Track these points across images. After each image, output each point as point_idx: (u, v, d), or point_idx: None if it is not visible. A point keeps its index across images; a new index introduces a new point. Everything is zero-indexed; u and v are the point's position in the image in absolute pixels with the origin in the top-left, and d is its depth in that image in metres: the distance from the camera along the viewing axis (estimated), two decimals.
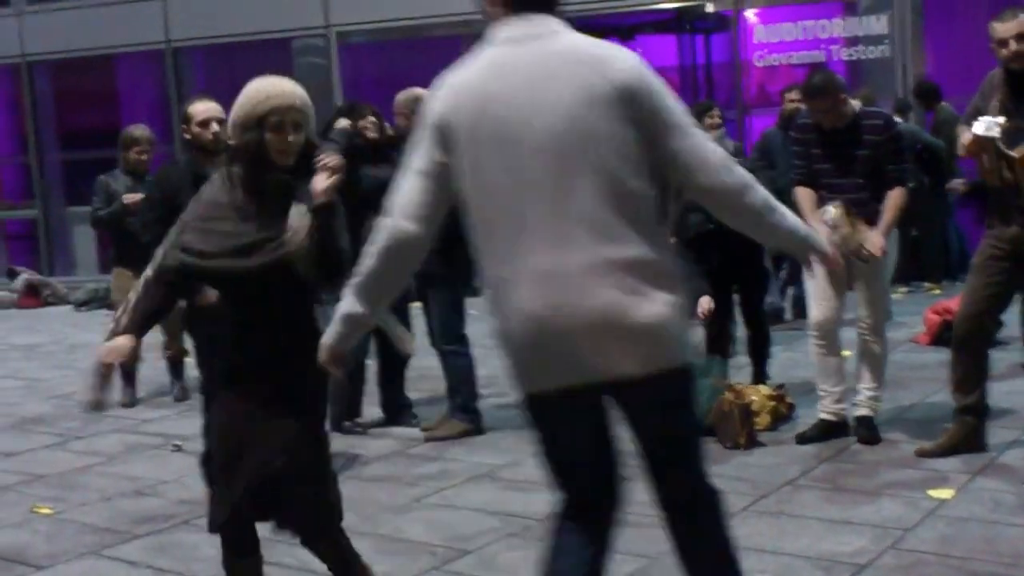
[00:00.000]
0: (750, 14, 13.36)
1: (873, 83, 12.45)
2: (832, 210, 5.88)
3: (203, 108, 5.63)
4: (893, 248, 6.15)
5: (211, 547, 5.11)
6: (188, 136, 5.68)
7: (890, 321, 9.06)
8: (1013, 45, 5.41)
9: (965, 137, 5.55)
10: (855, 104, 6.20)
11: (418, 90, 6.99)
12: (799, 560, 4.55)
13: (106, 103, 17.00)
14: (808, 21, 13.04)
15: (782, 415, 6.61)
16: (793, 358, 8.04)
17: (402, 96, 7.01)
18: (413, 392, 7.41)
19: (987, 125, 5.39)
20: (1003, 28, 5.43)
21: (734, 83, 13.51)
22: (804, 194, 6.18)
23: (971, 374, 5.77)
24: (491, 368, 7.22)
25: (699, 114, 8.86)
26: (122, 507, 5.85)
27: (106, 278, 9.99)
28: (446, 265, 6.36)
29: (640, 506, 5.28)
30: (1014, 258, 5.59)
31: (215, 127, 5.53)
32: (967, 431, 5.80)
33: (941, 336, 8.02)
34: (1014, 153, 5.29)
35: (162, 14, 15.49)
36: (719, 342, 6.97)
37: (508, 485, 5.78)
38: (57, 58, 16.33)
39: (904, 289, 11.20)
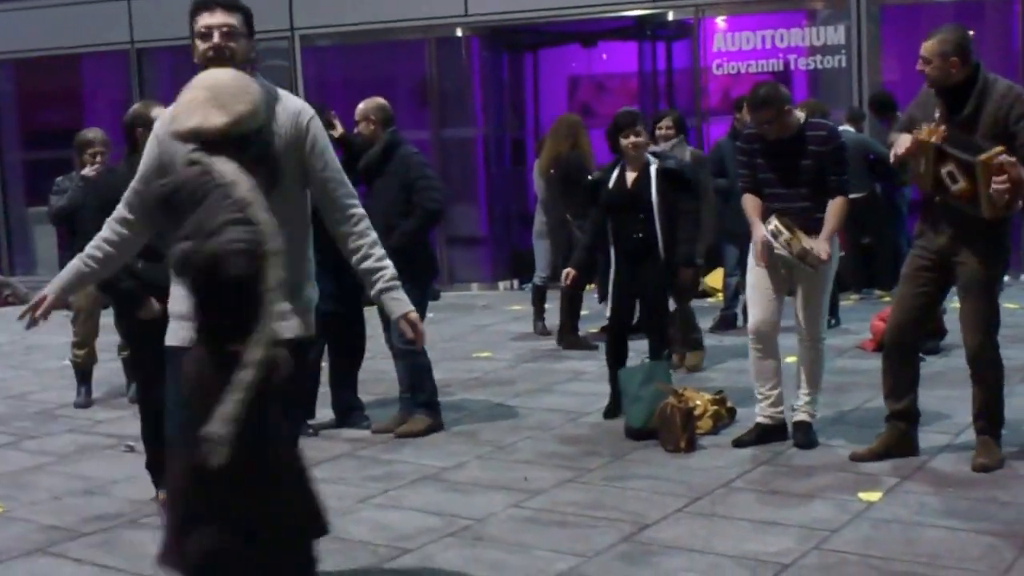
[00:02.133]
0: (712, 22, 13.50)
1: (830, 92, 12.65)
2: (773, 221, 6.03)
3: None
4: (834, 258, 6.29)
5: (155, 545, 5.20)
6: (144, 141, 5.74)
7: (836, 328, 9.31)
8: (920, 64, 5.60)
9: (902, 141, 5.69)
10: (799, 115, 6.34)
11: (380, 99, 7.10)
12: (726, 560, 4.68)
13: (70, 103, 16.97)
14: (767, 30, 13.20)
15: (724, 419, 6.76)
16: (742, 363, 8.16)
17: (365, 104, 7.09)
18: (365, 395, 7.51)
19: (928, 131, 5.53)
20: (922, 46, 5.61)
21: (693, 90, 13.66)
22: (750, 202, 6.32)
23: (902, 381, 5.93)
24: (439, 372, 7.37)
25: (654, 122, 9.01)
26: (71, 506, 5.92)
27: None
28: (408, 266, 6.51)
29: (575, 506, 5.46)
30: (942, 268, 5.75)
31: None
32: (899, 436, 5.96)
33: None
34: (979, 157, 5.39)
35: (126, 14, 15.53)
36: (659, 346, 7.09)
37: (452, 487, 5.89)
38: (21, 57, 16.30)
39: (855, 296, 11.39)
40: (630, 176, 6.99)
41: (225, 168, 3.47)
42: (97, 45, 15.86)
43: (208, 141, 3.56)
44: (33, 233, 16.27)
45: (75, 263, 4.27)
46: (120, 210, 4.27)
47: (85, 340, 8.42)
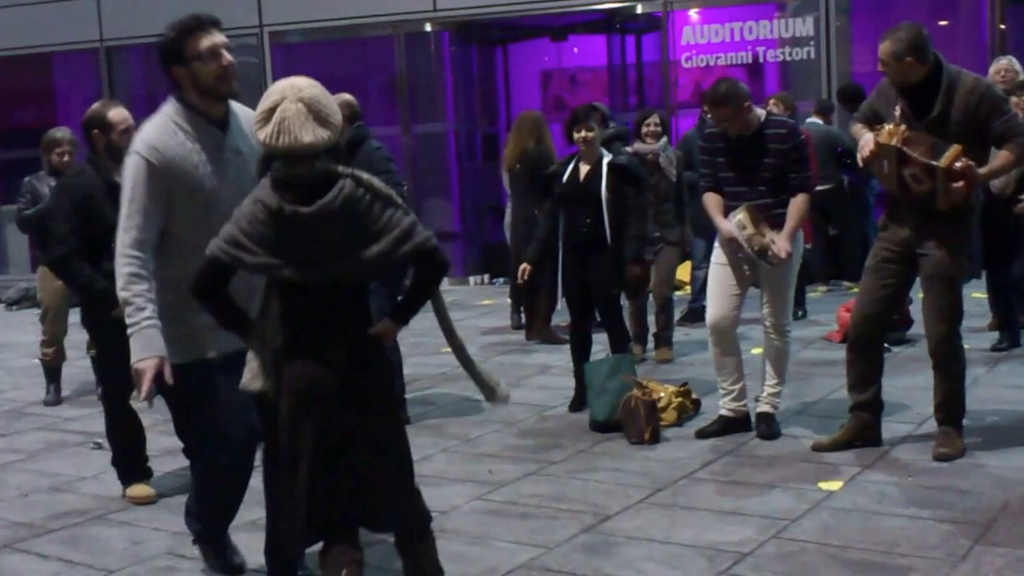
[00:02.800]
0: (682, 15, 13.54)
1: (799, 84, 12.71)
2: (739, 213, 6.07)
3: (123, 116, 5.79)
4: (797, 251, 6.34)
5: (122, 541, 5.27)
6: (103, 143, 5.78)
7: (803, 319, 9.38)
8: (879, 66, 5.67)
9: (864, 143, 5.72)
10: (760, 113, 6.38)
11: (346, 95, 7.07)
12: (686, 549, 4.73)
13: (41, 102, 16.93)
14: (736, 23, 13.24)
15: (689, 411, 6.81)
16: (708, 357, 8.21)
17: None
18: None
19: (888, 133, 5.57)
20: (879, 48, 5.66)
21: (663, 83, 13.70)
22: (712, 199, 6.37)
23: (866, 372, 5.98)
24: (407, 367, 7.39)
25: (640, 120, 9.03)
26: (39, 503, 5.94)
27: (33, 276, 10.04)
28: None
29: (538, 498, 5.50)
30: (906, 260, 5.80)
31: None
32: (862, 426, 6.01)
33: None
34: (938, 163, 5.45)
35: (96, 13, 15.48)
36: (617, 339, 7.14)
37: (417, 480, 5.89)
38: None
39: (823, 288, 11.46)
40: (583, 169, 7.04)
41: (366, 177, 3.74)
42: (68, 44, 15.81)
43: (309, 155, 3.63)
44: (4, 232, 16.21)
45: (153, 330, 4.04)
46: (136, 253, 4.07)
47: (54, 338, 8.42)
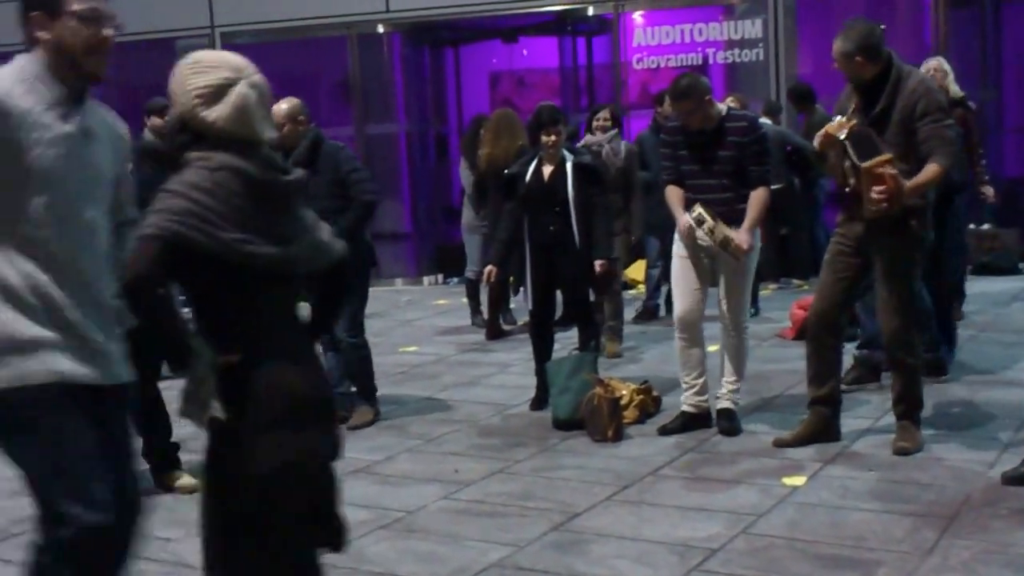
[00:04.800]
0: (632, 17, 13.61)
1: (748, 86, 12.80)
2: (697, 208, 6.12)
3: None
4: (756, 248, 6.40)
5: None
6: None
7: (756, 317, 9.46)
8: (834, 64, 5.78)
9: (820, 134, 5.82)
10: (721, 107, 6.43)
11: (295, 99, 7.00)
12: (656, 546, 4.76)
13: None
14: (686, 24, 13.33)
15: (650, 409, 6.84)
16: (665, 353, 8.27)
17: (290, 105, 6.91)
18: None
19: (838, 124, 5.67)
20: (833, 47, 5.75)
21: (614, 85, 13.76)
22: (673, 193, 6.41)
23: (825, 367, 6.05)
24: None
25: (591, 114, 9.12)
26: (0, 508, 5.87)
27: None
28: (350, 259, 6.56)
29: (505, 497, 5.51)
30: (862, 254, 5.88)
31: None
32: (821, 421, 6.08)
33: (805, 330, 8.31)
34: (863, 164, 5.54)
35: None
36: (587, 335, 7.19)
37: (382, 480, 5.92)
38: None
39: (773, 286, 11.57)
40: (546, 170, 7.07)
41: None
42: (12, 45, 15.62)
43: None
44: None
45: None
46: None
47: None
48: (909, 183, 5.58)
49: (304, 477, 3.22)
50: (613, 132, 8.92)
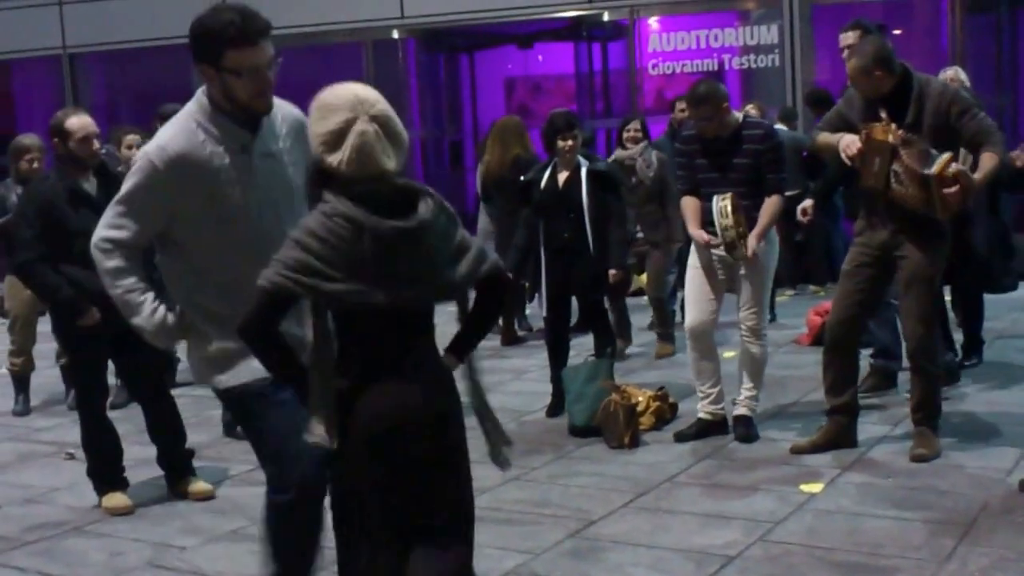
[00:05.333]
0: (647, 23, 13.60)
1: (764, 91, 12.77)
2: (727, 199, 6.06)
3: (81, 124, 5.84)
4: (773, 254, 6.37)
5: (99, 553, 5.21)
6: (62, 151, 5.84)
7: (772, 323, 9.41)
8: (850, 82, 5.80)
9: (849, 141, 5.72)
10: (737, 115, 6.41)
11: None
12: (672, 553, 4.74)
13: (1, 109, 16.78)
14: (702, 30, 13.31)
15: (666, 416, 6.82)
16: (681, 359, 8.24)
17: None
18: None
19: (883, 130, 5.61)
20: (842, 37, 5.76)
21: (630, 91, 13.74)
22: (689, 204, 6.39)
23: (842, 376, 6.02)
24: None
25: (621, 127, 9.13)
26: (13, 515, 5.86)
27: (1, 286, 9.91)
28: None
29: (521, 504, 5.49)
30: (882, 263, 5.84)
31: (96, 143, 5.88)
32: (839, 429, 6.04)
33: (822, 337, 8.26)
34: (933, 170, 5.48)
35: (58, 20, 15.37)
36: (602, 341, 7.19)
37: None
38: None
39: (790, 292, 11.52)
40: (561, 177, 7.07)
41: (437, 194, 3.34)
42: (29, 51, 15.67)
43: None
44: None
45: (163, 313, 3.86)
46: (119, 249, 3.80)
47: (22, 348, 8.33)
48: (978, 176, 5.58)
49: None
50: (643, 144, 8.89)
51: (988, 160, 5.64)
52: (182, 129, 3.70)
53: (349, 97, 3.18)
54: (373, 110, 3.18)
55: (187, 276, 3.81)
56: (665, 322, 8.94)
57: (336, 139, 3.15)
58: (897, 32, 13.04)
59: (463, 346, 3.48)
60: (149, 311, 3.80)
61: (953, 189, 5.46)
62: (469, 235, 3.37)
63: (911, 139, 5.56)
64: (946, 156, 5.47)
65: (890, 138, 5.56)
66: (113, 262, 3.78)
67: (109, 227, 3.80)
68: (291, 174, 3.79)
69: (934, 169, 5.46)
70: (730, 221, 6.04)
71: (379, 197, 3.17)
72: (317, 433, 3.21)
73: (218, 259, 3.72)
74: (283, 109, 3.85)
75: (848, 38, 6.95)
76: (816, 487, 5.47)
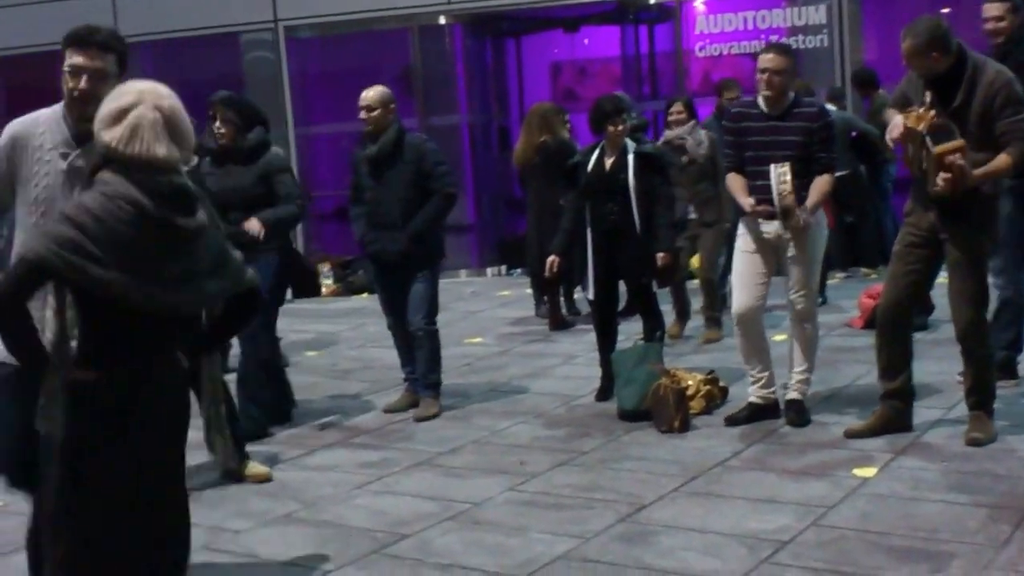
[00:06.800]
0: (694, 5, 13.52)
1: (812, 72, 12.65)
2: (784, 165, 6.01)
3: None
4: (822, 237, 6.31)
5: None
6: None
7: (824, 306, 9.35)
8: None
9: (895, 125, 5.69)
10: (790, 93, 6.34)
11: (384, 87, 7.14)
12: (725, 538, 4.71)
13: (53, 100, 16.88)
14: (749, 11, 13.22)
15: (716, 399, 6.78)
16: (732, 343, 8.19)
17: (379, 93, 7.03)
18: (360, 382, 7.52)
19: (916, 117, 5.55)
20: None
21: (676, 73, 13.67)
22: (735, 180, 6.34)
23: (896, 359, 5.95)
24: None
25: (666, 109, 9.13)
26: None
27: None
28: (424, 246, 6.82)
29: (571, 488, 5.48)
30: (932, 244, 5.78)
31: None
32: (893, 414, 5.98)
33: (875, 320, 8.19)
34: (935, 149, 5.44)
35: (111, 10, 15.46)
36: (652, 325, 7.17)
37: (447, 472, 5.91)
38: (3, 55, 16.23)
39: (842, 275, 11.43)
40: (608, 160, 7.04)
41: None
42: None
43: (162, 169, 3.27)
44: None
45: None
46: None
47: None
48: (977, 171, 5.48)
49: None
50: (691, 124, 8.86)
51: (998, 161, 5.53)
52: (37, 114, 4.03)
53: (144, 87, 3.29)
54: (161, 101, 3.26)
55: None
56: (713, 305, 8.89)
57: (116, 117, 3.23)
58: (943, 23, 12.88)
59: (197, 348, 3.58)
60: None
61: (945, 176, 5.40)
62: (233, 249, 3.44)
63: (941, 125, 5.48)
64: (958, 143, 5.40)
65: (920, 126, 5.49)
66: None
67: None
68: None
69: (938, 148, 5.40)
70: (788, 187, 5.98)
71: (161, 190, 3.19)
72: (49, 419, 3.25)
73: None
74: None
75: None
76: (870, 471, 5.42)
